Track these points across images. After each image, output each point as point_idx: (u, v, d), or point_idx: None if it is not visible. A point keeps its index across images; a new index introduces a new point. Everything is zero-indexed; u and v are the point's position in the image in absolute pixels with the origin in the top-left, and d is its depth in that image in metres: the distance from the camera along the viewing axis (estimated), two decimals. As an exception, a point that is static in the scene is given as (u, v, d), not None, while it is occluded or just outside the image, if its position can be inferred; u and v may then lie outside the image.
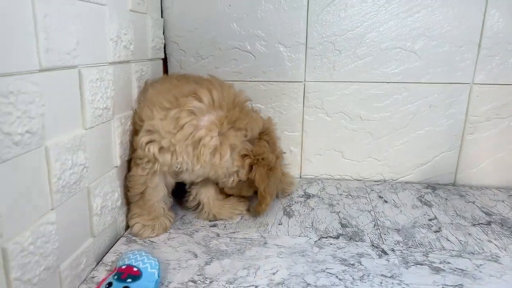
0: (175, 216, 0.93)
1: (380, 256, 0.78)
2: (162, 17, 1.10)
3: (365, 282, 0.70)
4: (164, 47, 1.12)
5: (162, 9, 1.10)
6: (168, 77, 1.00)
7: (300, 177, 1.20)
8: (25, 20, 0.56)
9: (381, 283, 0.69)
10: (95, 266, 0.77)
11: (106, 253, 0.80)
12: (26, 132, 0.57)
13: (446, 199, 1.05)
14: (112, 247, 0.83)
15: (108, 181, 0.82)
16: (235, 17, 1.08)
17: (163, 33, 1.10)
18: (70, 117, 0.68)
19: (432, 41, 1.04)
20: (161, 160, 0.81)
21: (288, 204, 1.02)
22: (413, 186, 1.14)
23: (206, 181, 0.91)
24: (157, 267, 0.70)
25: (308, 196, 1.07)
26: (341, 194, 1.08)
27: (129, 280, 0.67)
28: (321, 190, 1.11)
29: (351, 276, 0.72)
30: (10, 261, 0.54)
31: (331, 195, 1.08)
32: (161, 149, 0.80)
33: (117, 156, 0.85)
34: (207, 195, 0.94)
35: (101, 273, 0.74)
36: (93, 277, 0.73)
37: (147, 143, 0.81)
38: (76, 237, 0.71)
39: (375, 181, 1.17)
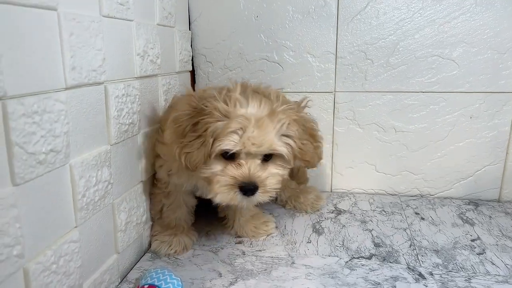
0: (198, 234, 0.91)
1: (417, 281, 0.73)
2: (189, 29, 1.10)
3: (400, 310, 0.65)
4: (192, 59, 1.11)
5: (190, 21, 1.10)
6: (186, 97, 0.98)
7: (331, 191, 1.16)
8: (51, 40, 0.56)
9: (417, 311, 0.65)
10: (119, 284, 0.76)
11: (131, 270, 0.80)
12: (51, 151, 0.57)
13: (490, 217, 0.98)
14: (136, 263, 0.82)
15: (134, 196, 0.81)
16: (263, 28, 1.06)
17: (191, 46, 1.10)
18: (95, 133, 0.68)
19: (472, 48, 0.98)
20: (171, 182, 0.83)
21: (318, 220, 0.98)
22: (453, 202, 1.07)
23: None
24: (181, 287, 0.69)
25: (339, 211, 1.03)
26: (374, 210, 1.03)
27: (152, 300, 0.65)
28: (353, 205, 1.06)
29: (385, 302, 0.67)
30: (31, 281, 0.54)
31: (364, 211, 1.03)
32: (170, 172, 0.82)
33: (143, 170, 0.84)
34: (233, 209, 0.92)
35: (125, 291, 0.73)
36: (117, 295, 0.72)
37: (159, 166, 0.84)
38: (100, 254, 0.71)
39: (410, 196, 1.11)
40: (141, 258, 0.84)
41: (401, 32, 1.00)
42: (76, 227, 0.64)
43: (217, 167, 0.72)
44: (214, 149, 0.69)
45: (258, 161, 0.72)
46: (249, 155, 0.71)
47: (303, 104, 0.80)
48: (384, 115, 1.07)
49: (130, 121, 0.78)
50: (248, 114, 0.69)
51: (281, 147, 0.71)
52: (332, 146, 1.12)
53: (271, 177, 0.73)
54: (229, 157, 0.72)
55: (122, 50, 0.75)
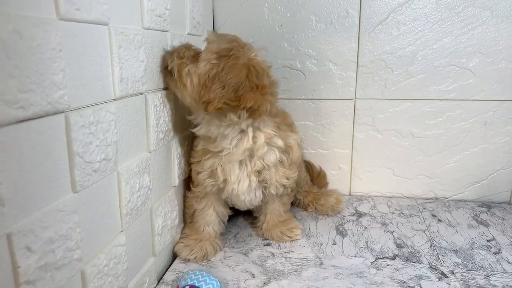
0: (222, 245, 0.91)
1: (440, 279, 0.77)
2: (213, 37, 1.13)
3: (429, 308, 0.69)
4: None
5: (214, 29, 1.12)
6: None
7: (350, 195, 1.19)
8: (103, 53, 0.59)
9: (446, 310, 0.68)
10: (156, 285, 0.79)
11: (165, 272, 0.82)
12: (103, 159, 0.60)
13: (503, 218, 1.02)
14: (170, 265, 0.85)
15: (168, 201, 0.84)
16: (286, 36, 1.09)
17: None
18: (137, 141, 0.70)
19: (487, 58, 1.02)
20: (200, 182, 0.85)
21: (340, 222, 1.01)
22: (467, 204, 1.11)
23: (272, 199, 0.93)
24: (219, 288, 0.71)
25: (359, 214, 1.06)
26: (393, 213, 1.06)
27: (193, 300, 0.68)
28: (372, 208, 1.10)
29: (412, 300, 0.71)
30: (88, 284, 0.57)
31: (383, 213, 1.06)
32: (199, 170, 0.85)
33: (175, 176, 0.87)
34: (265, 212, 0.95)
35: (163, 292, 0.76)
36: (155, 296, 0.75)
37: (192, 169, 0.88)
38: (141, 257, 0.74)
39: (426, 199, 1.15)
40: (174, 260, 0.87)
41: (420, 42, 1.04)
42: (122, 231, 0.67)
43: None
44: None
45: None
46: None
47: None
48: (402, 122, 1.10)
49: (166, 128, 0.81)
50: None
51: None
52: (352, 151, 1.15)
53: None
54: None
55: (159, 60, 0.78)
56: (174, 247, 0.89)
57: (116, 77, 0.62)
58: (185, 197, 0.92)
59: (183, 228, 0.93)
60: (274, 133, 0.82)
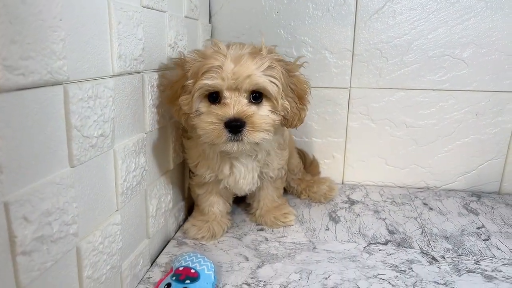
0: (230, 224, 0.92)
1: (431, 263, 0.78)
2: (210, 23, 1.12)
3: (420, 289, 0.70)
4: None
5: (210, 15, 1.12)
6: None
7: (342, 183, 1.20)
8: (102, 28, 0.58)
9: (437, 291, 0.69)
10: (150, 267, 0.78)
11: (159, 255, 0.82)
12: (101, 135, 0.59)
13: (492, 207, 1.04)
14: (163, 248, 0.85)
15: (163, 184, 0.84)
16: (283, 23, 1.09)
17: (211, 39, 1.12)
18: (133, 121, 0.70)
19: (481, 49, 1.03)
20: (198, 173, 0.86)
21: (333, 209, 1.02)
22: (457, 193, 1.13)
23: (265, 185, 0.93)
24: (213, 269, 0.71)
25: (352, 202, 1.07)
26: (385, 201, 1.07)
27: (187, 281, 0.68)
28: (365, 196, 1.11)
29: (404, 282, 0.72)
30: (83, 259, 0.57)
31: (375, 201, 1.07)
32: (194, 163, 0.86)
33: (171, 159, 0.87)
34: (258, 198, 0.95)
35: (156, 274, 0.76)
36: (149, 278, 0.75)
37: (186, 159, 0.88)
38: (135, 238, 0.73)
39: (418, 188, 1.16)
40: (167, 244, 0.86)
41: (416, 32, 1.05)
42: (117, 210, 0.66)
43: (203, 110, 0.72)
44: (195, 90, 0.70)
45: (245, 100, 0.71)
46: (234, 93, 0.70)
47: (298, 62, 0.79)
48: (396, 111, 1.11)
49: (162, 110, 0.80)
50: (227, 53, 0.70)
51: (264, 82, 0.69)
52: (346, 139, 1.16)
53: (259, 115, 0.71)
54: (215, 100, 0.72)
55: (156, 40, 0.77)
56: (176, 232, 0.91)
57: (115, 53, 0.62)
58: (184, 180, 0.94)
59: (193, 211, 0.96)
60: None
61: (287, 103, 0.74)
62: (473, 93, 1.07)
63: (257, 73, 0.69)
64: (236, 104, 0.69)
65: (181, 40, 0.87)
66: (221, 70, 0.69)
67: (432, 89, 1.08)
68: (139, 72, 0.70)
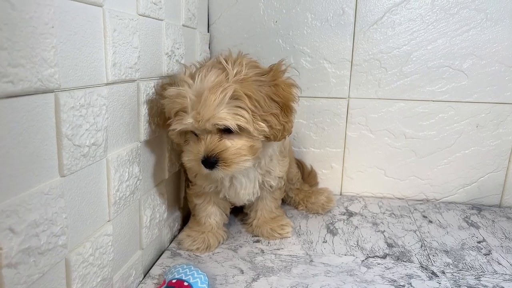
0: (226, 236, 0.91)
1: (430, 278, 0.76)
2: (208, 31, 1.12)
3: (420, 306, 0.68)
4: (209, 61, 1.13)
5: (209, 24, 1.11)
6: None
7: (341, 194, 1.19)
8: (96, 36, 0.57)
9: (437, 308, 0.67)
10: (143, 279, 0.77)
11: (152, 266, 0.80)
12: (93, 144, 0.58)
13: (493, 221, 1.02)
14: (157, 260, 0.83)
15: (157, 194, 0.82)
16: (281, 33, 1.08)
17: (209, 48, 1.12)
18: (127, 130, 0.69)
19: (481, 61, 1.02)
20: (197, 184, 0.86)
21: (331, 221, 1.01)
22: (458, 206, 1.11)
23: (264, 195, 0.92)
24: (207, 283, 0.70)
25: (350, 214, 1.05)
26: (384, 213, 1.06)
27: (180, 294, 0.66)
28: (363, 208, 1.09)
29: (403, 299, 0.70)
30: (72, 272, 0.55)
31: (374, 213, 1.06)
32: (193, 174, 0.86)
33: (166, 169, 0.86)
34: (256, 208, 0.94)
35: (149, 286, 0.74)
36: (142, 290, 0.73)
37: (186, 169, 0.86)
38: (127, 249, 0.72)
39: (417, 200, 1.15)
40: (161, 255, 0.85)
41: (415, 42, 1.04)
42: (109, 220, 0.65)
43: (190, 139, 0.76)
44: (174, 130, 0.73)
45: (216, 136, 0.71)
46: (208, 131, 0.71)
47: (281, 68, 0.76)
48: (395, 122, 1.10)
49: (158, 119, 0.79)
50: (189, 92, 0.69)
51: (226, 120, 0.68)
52: (344, 150, 1.14)
53: (232, 149, 0.71)
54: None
55: (153, 49, 0.76)
56: (170, 243, 0.89)
57: (109, 61, 0.61)
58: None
59: (190, 220, 0.95)
60: None
61: (264, 124, 0.71)
62: (474, 104, 1.06)
63: (219, 111, 0.68)
64: (207, 142, 0.71)
65: (178, 48, 0.87)
66: (186, 113, 0.70)
67: (431, 100, 1.07)
68: (134, 81, 0.70)
